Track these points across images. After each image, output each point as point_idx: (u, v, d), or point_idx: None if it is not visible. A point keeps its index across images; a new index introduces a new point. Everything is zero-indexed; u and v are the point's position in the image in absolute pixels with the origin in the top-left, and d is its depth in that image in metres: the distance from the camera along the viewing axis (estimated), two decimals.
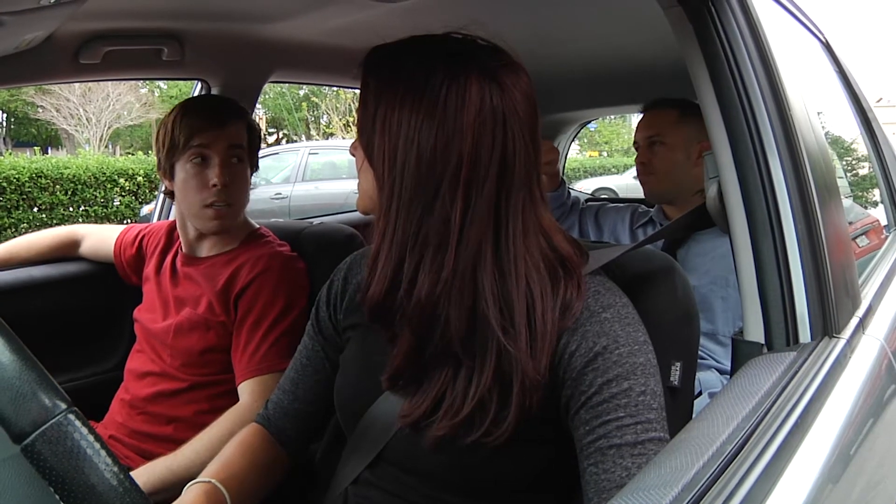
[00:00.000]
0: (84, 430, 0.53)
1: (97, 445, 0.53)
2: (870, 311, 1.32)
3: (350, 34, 1.67)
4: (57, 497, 0.51)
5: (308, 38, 1.82)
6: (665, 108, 1.94)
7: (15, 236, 2.52)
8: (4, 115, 24.80)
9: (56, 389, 0.54)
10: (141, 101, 21.70)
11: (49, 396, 0.53)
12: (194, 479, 0.97)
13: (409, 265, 0.83)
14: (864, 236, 2.05)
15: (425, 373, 0.87)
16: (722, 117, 1.06)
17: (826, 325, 1.05)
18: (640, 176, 1.97)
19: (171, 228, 1.70)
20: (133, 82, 19.50)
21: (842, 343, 1.08)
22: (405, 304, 0.85)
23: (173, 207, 1.68)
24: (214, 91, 1.90)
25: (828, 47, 2.12)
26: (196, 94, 1.94)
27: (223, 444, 1.12)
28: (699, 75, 1.07)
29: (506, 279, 0.82)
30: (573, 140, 3.36)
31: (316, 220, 2.16)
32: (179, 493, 0.95)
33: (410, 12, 1.40)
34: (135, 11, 1.48)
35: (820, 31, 2.01)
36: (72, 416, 0.53)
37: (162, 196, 2.04)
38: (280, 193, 10.35)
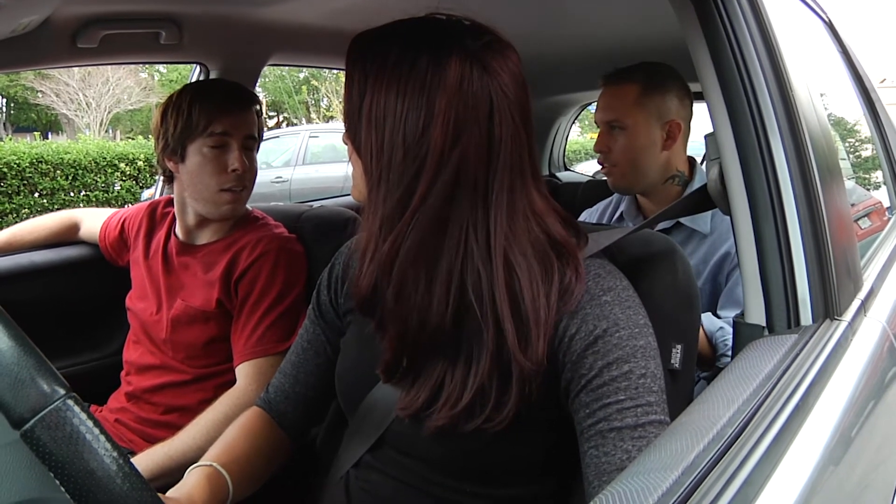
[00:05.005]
0: (83, 416, 0.53)
1: (96, 431, 0.53)
2: (871, 293, 1.32)
3: (348, 16, 1.66)
4: (57, 482, 0.52)
5: (306, 21, 1.80)
6: (624, 84, 1.63)
7: (16, 222, 2.52)
8: (4, 101, 24.75)
9: (55, 375, 0.54)
10: (141, 85, 21.63)
11: (48, 382, 0.54)
12: (193, 463, 0.97)
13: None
14: (866, 218, 2.04)
15: (422, 364, 0.87)
16: (723, 98, 1.05)
17: (827, 308, 1.05)
18: (602, 166, 1.69)
19: (152, 209, 1.69)
20: (133, 66, 19.40)
21: (843, 325, 1.07)
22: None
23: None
24: (213, 74, 1.89)
25: (831, 27, 2.10)
26: (195, 78, 1.93)
27: (219, 427, 1.12)
28: (700, 56, 1.06)
29: (490, 267, 0.81)
30: (574, 122, 3.34)
31: (316, 204, 2.16)
32: (179, 479, 0.95)
33: None
34: None
35: (823, 11, 1.99)
36: (70, 402, 0.53)
37: (161, 181, 2.03)
38: (281, 177, 10.35)
